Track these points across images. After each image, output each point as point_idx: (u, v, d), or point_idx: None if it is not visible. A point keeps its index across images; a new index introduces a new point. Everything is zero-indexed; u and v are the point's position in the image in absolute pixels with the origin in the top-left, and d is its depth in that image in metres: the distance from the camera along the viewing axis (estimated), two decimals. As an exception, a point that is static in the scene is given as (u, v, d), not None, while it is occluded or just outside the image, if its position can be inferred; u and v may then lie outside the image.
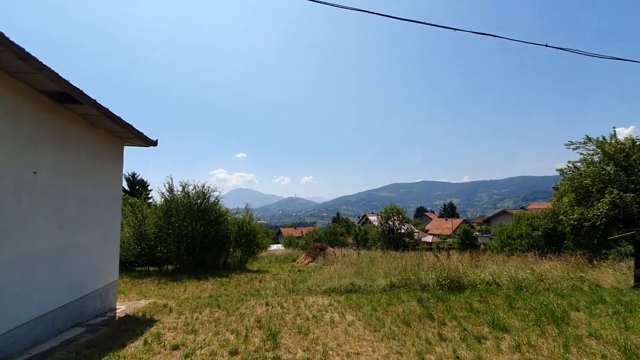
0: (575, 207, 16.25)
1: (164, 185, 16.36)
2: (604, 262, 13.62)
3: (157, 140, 9.23)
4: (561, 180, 18.50)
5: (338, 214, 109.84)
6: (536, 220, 21.00)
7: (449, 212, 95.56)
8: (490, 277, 10.16)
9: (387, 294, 9.40)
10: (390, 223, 29.56)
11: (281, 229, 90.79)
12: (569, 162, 17.79)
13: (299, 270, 16.29)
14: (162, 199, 16.01)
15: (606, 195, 14.21)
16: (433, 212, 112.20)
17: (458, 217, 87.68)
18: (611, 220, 15.04)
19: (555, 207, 18.27)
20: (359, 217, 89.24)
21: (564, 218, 16.21)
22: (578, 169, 17.48)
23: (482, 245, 34.30)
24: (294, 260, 23.98)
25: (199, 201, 16.44)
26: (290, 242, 51.95)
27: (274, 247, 54.96)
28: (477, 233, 44.18)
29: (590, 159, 16.46)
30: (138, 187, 38.56)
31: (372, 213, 67.90)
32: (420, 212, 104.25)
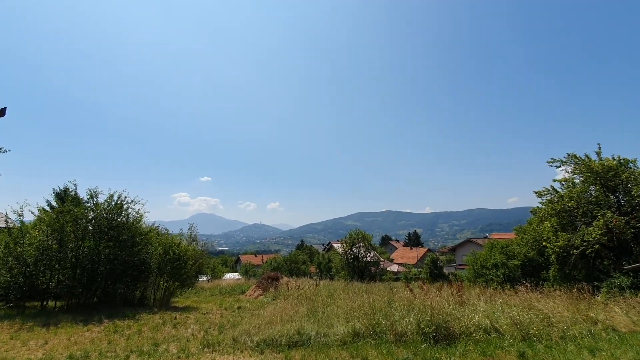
0: (559, 233, 14.42)
1: (62, 192, 12.36)
2: (596, 296, 11.54)
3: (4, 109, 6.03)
4: (539, 204, 16.84)
5: (302, 241, 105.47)
6: (513, 248, 19.14)
7: (413, 241, 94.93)
8: (487, 321, 7.47)
9: (348, 350, 6.36)
10: (355, 250, 26.75)
11: (240, 256, 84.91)
12: (549, 186, 16.22)
13: (238, 307, 12.77)
14: (53, 211, 11.89)
15: (598, 217, 12.44)
16: (398, 240, 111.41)
17: (422, 247, 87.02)
18: (599, 247, 13.27)
19: (535, 233, 16.41)
20: (323, 245, 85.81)
21: (548, 245, 14.26)
22: (557, 192, 15.91)
23: (450, 275, 32.25)
24: (243, 292, 20.22)
25: (108, 215, 12.57)
26: (246, 271, 47.28)
27: (230, 276, 49.79)
28: (443, 263, 42.51)
29: (570, 180, 14.92)
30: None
31: (337, 241, 65.05)
32: (385, 241, 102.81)
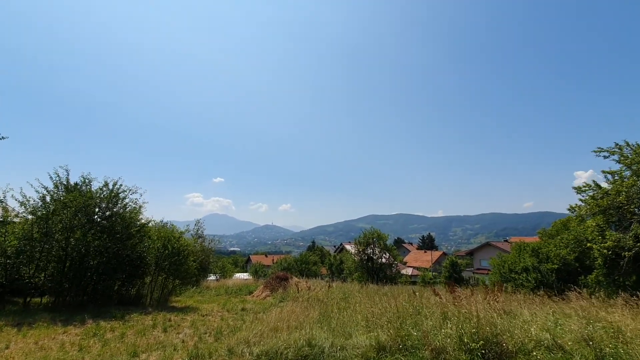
0: (607, 232, 12.63)
1: (51, 179, 11.23)
2: None
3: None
4: (579, 201, 15.00)
5: (313, 242, 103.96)
6: (548, 250, 17.26)
7: (427, 244, 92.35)
8: (548, 336, 5.90)
9: (374, 372, 4.93)
10: (370, 251, 25.17)
11: (251, 256, 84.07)
12: (588, 184, 14.39)
13: (242, 309, 11.44)
14: (39, 199, 10.75)
15: (663, 213, 10.68)
16: (411, 244, 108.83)
17: (437, 250, 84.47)
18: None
19: (577, 233, 14.58)
20: (335, 247, 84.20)
21: (594, 247, 12.47)
22: (600, 187, 14.09)
23: (471, 280, 30.31)
24: (250, 293, 18.93)
25: (103, 205, 11.48)
26: (256, 271, 46.18)
27: (239, 276, 48.92)
28: (462, 266, 40.45)
29: (619, 173, 13.09)
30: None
31: (349, 242, 63.45)
32: (398, 244, 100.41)
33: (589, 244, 13.06)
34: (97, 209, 11.38)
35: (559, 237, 17.08)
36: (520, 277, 18.10)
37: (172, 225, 21.95)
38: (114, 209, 11.85)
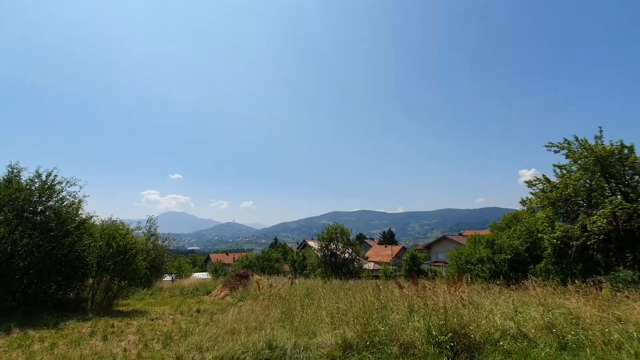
0: (556, 224, 13.37)
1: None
2: (599, 291, 10.38)
3: None
4: (530, 194, 15.81)
5: (276, 239, 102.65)
6: (502, 241, 18.08)
7: (388, 239, 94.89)
8: (513, 325, 5.87)
9: (341, 373, 4.53)
10: (333, 246, 25.01)
11: (210, 255, 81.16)
12: (538, 177, 15.18)
13: (197, 311, 10.60)
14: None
15: (605, 205, 11.38)
16: (372, 239, 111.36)
17: (397, 244, 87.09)
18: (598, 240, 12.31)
19: (529, 225, 15.35)
20: (297, 244, 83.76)
21: (545, 237, 13.14)
22: (549, 181, 14.94)
23: (429, 272, 31.34)
24: (208, 293, 17.90)
25: (34, 198, 9.97)
26: (216, 270, 44.46)
27: (197, 275, 46.92)
28: (421, 260, 41.86)
29: (568, 167, 13.90)
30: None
31: (312, 239, 63.37)
32: (360, 239, 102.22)
33: (539, 235, 13.76)
34: (26, 203, 9.86)
35: (512, 229, 17.96)
36: (476, 267, 18.80)
37: (121, 222, 20.22)
38: (48, 203, 10.37)
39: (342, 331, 5.67)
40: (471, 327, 5.62)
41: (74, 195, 11.04)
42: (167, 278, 31.51)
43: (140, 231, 20.84)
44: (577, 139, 13.09)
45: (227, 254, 79.77)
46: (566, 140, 14.02)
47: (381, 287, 11.29)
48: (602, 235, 11.26)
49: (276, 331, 6.02)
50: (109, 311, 10.76)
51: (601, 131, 12.82)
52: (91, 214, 11.59)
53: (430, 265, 47.37)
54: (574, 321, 6.38)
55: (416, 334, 5.44)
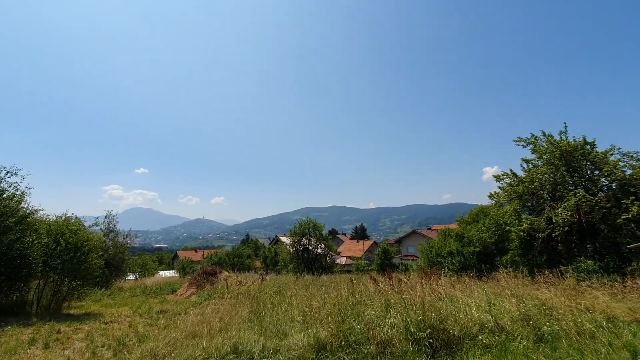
0: (523, 217, 13.74)
1: None
2: (562, 281, 10.71)
3: None
4: (498, 188, 16.19)
5: (247, 235, 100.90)
6: (472, 234, 18.48)
7: (360, 234, 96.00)
8: (490, 317, 5.71)
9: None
10: (306, 241, 24.60)
11: (178, 252, 78.21)
12: (506, 172, 15.54)
13: (159, 312, 9.80)
14: None
15: (570, 197, 11.75)
16: (344, 234, 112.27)
17: (369, 239, 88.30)
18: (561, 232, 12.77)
19: (497, 218, 15.71)
20: (270, 239, 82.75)
21: (512, 229, 13.46)
22: (516, 175, 15.36)
23: (401, 266, 31.76)
24: (174, 291, 16.93)
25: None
26: (183, 267, 42.77)
27: (164, 273, 44.99)
28: (392, 254, 42.46)
29: (534, 161, 14.31)
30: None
31: (284, 234, 62.72)
32: (332, 234, 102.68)
33: (507, 227, 14.08)
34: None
35: (481, 222, 18.37)
36: (446, 260, 19.13)
37: (77, 218, 18.64)
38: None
39: (315, 331, 5.25)
40: (449, 322, 5.41)
41: (15, 187, 9.83)
42: (131, 277, 29.79)
43: (98, 227, 19.37)
44: (544, 134, 13.45)
45: (195, 251, 77.29)
46: (533, 135, 14.42)
47: (355, 281, 11.03)
48: (567, 227, 11.65)
49: (243, 333, 5.51)
50: (56, 315, 9.70)
51: (566, 127, 13.26)
52: (36, 208, 10.39)
53: (401, 259, 48.28)
54: (547, 312, 6.38)
55: (393, 331, 5.13)
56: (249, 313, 7.47)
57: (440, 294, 6.37)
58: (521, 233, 13.23)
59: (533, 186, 13.86)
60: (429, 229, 59.21)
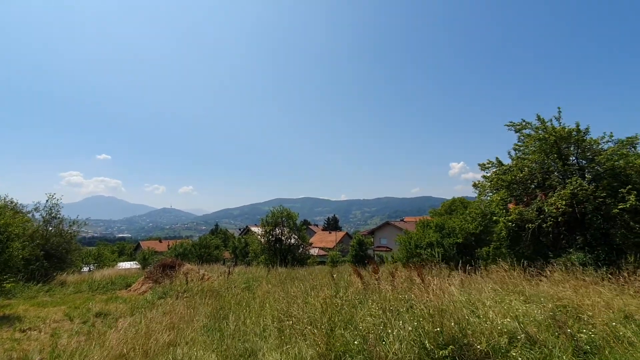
0: (511, 207, 13.00)
1: None
2: (551, 274, 10.00)
3: None
4: (482, 178, 15.44)
5: (217, 225, 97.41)
6: (455, 225, 17.75)
7: (332, 225, 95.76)
8: (517, 326, 4.53)
9: None
10: (278, 231, 23.06)
11: (141, 242, 73.95)
12: (492, 159, 14.81)
13: (98, 314, 7.95)
14: None
15: (567, 185, 11.03)
16: (317, 225, 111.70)
17: (341, 230, 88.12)
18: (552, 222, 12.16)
19: (484, 208, 14.95)
20: (240, 230, 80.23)
21: (500, 220, 12.69)
22: (502, 164, 14.64)
23: (375, 257, 31.08)
24: (128, 286, 14.89)
25: None
26: (145, 258, 39.87)
27: (124, 265, 41.90)
28: (367, 245, 41.93)
29: (522, 148, 13.59)
30: None
31: (255, 225, 60.73)
32: (305, 225, 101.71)
33: (495, 218, 13.29)
34: None
35: (467, 211, 17.64)
36: (426, 251, 18.34)
37: (10, 201, 15.96)
38: None
39: (296, 350, 3.81)
40: (469, 331, 4.17)
41: None
42: (85, 269, 27.03)
43: (39, 214, 16.80)
44: (539, 119, 12.67)
45: (160, 241, 73.45)
46: (524, 120, 13.67)
47: (335, 275, 9.69)
48: (560, 217, 10.97)
49: (195, 350, 3.97)
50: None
51: (560, 112, 12.54)
52: None
53: (374, 251, 48.01)
54: (574, 314, 5.35)
55: (402, 347, 3.81)
56: (208, 317, 5.91)
57: (453, 294, 5.11)
58: (510, 224, 12.45)
59: (522, 174, 13.14)
60: (402, 220, 59.45)
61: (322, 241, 70.15)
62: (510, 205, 13.68)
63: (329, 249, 62.57)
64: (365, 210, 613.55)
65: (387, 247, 50.80)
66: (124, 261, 49.14)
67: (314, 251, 46.82)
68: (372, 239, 55.10)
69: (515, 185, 13.49)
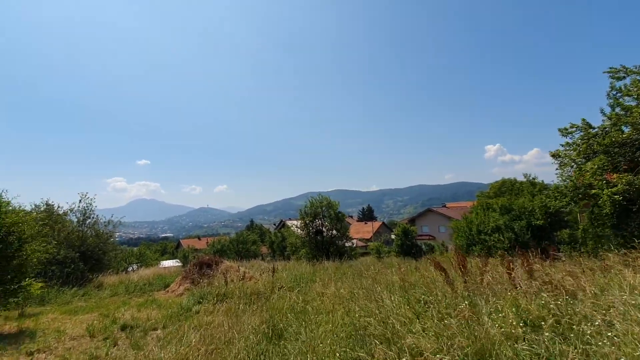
0: (614, 175, 10.34)
1: None
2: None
3: None
4: (560, 146, 12.70)
5: (252, 221, 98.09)
6: (534, 203, 15.16)
7: (367, 215, 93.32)
8: None
9: None
10: (319, 222, 21.40)
11: (181, 240, 75.88)
12: (575, 123, 12.11)
13: (124, 327, 6.57)
14: None
15: None
16: (351, 216, 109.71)
17: (377, 220, 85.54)
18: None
19: (575, 180, 12.21)
20: (274, 225, 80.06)
21: (604, 192, 10.06)
22: (591, 126, 11.89)
23: (424, 247, 28.68)
24: (166, 286, 13.88)
25: None
26: (185, 256, 40.08)
27: (167, 263, 42.35)
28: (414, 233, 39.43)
29: (627, 106, 10.83)
30: None
31: (290, 219, 59.80)
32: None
33: (593, 191, 10.61)
34: None
35: (551, 188, 14.66)
36: (492, 238, 15.87)
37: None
38: None
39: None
40: None
41: None
42: (130, 269, 27.05)
43: (73, 215, 16.25)
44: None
45: (199, 239, 74.87)
46: (623, 66, 10.87)
47: (403, 270, 7.73)
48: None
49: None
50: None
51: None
52: None
53: (415, 240, 45.33)
54: None
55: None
56: (256, 334, 4.22)
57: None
58: (616, 197, 9.80)
59: (625, 135, 10.43)
60: (444, 206, 55.96)
61: (358, 232, 68.15)
62: (610, 176, 10.98)
63: (367, 239, 60.45)
64: (398, 199, 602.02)
65: (430, 235, 47.79)
66: (166, 260, 50.04)
67: (352, 242, 45.03)
68: (414, 228, 52.26)
69: (617, 149, 10.78)
